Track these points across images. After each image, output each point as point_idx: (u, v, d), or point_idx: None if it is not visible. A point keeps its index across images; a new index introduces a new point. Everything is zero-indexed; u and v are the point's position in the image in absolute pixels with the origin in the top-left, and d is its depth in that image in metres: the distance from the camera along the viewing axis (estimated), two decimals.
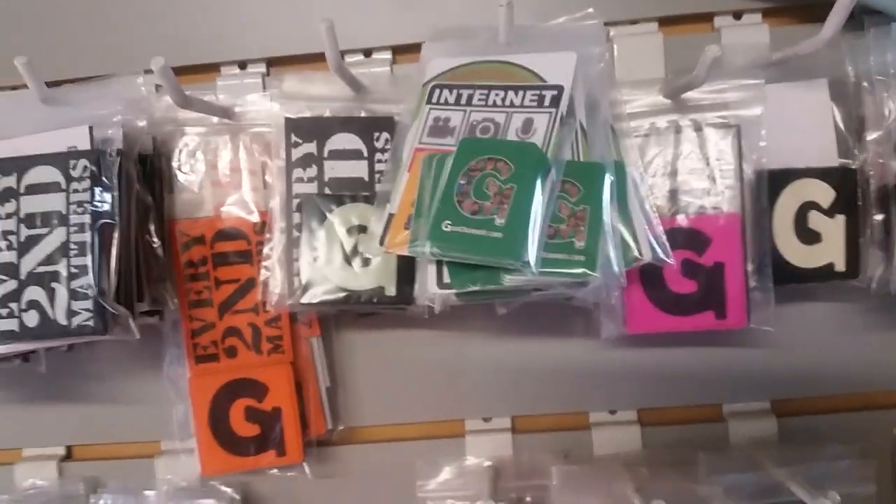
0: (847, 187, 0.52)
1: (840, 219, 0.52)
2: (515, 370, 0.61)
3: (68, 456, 0.66)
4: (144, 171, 0.54)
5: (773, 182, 0.51)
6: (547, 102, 0.44)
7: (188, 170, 0.57)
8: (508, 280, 0.41)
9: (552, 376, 0.61)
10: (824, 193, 0.52)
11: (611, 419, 0.61)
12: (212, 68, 0.63)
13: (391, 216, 0.44)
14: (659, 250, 0.47)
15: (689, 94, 0.52)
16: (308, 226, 0.51)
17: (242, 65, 0.62)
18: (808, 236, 0.52)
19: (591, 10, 0.50)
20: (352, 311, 0.59)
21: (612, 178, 0.43)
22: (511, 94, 0.45)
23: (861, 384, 0.58)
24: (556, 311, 0.58)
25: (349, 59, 0.61)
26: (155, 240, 0.52)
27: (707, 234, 0.51)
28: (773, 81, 0.55)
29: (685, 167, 0.52)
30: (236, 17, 0.61)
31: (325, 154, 0.53)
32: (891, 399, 0.59)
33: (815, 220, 0.52)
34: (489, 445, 0.61)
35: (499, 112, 0.45)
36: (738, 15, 0.59)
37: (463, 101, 0.46)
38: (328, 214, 0.51)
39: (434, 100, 0.47)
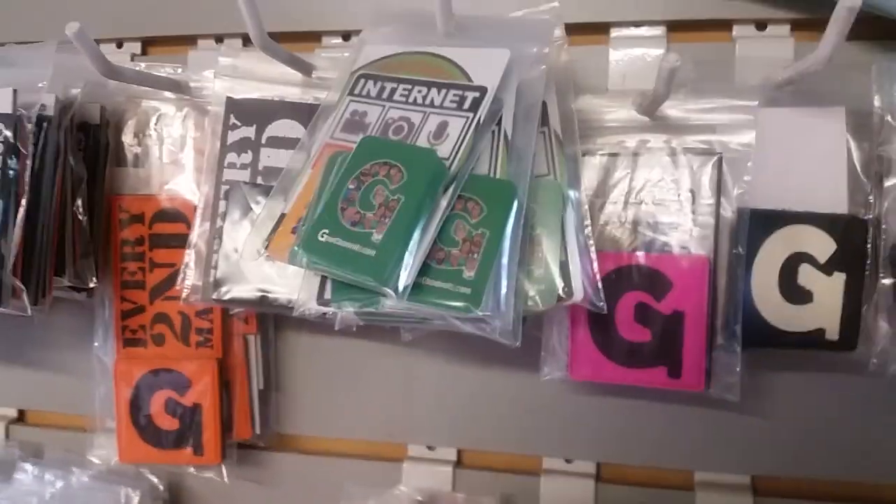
0: (853, 240, 0.43)
1: (839, 277, 0.43)
2: (468, 399, 0.56)
3: (20, 419, 0.65)
4: (87, 142, 0.52)
5: (758, 225, 0.43)
6: (466, 105, 0.38)
7: (136, 144, 0.54)
8: (388, 305, 0.36)
9: (508, 411, 0.55)
10: (823, 245, 0.43)
11: (566, 468, 0.55)
12: (189, 40, 0.59)
13: (282, 216, 0.39)
14: (591, 292, 0.40)
15: (671, 113, 0.45)
16: (231, 216, 0.47)
17: (219, 38, 0.58)
18: (796, 294, 0.44)
19: (556, 3, 0.43)
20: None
21: (521, 201, 0.36)
22: (433, 91, 0.39)
23: (852, 471, 0.49)
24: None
25: (327, 41, 0.56)
26: (81, 214, 0.49)
27: (668, 277, 0.44)
28: (787, 104, 0.46)
29: (652, 196, 0.44)
30: None
31: (264, 140, 0.49)
32: (881, 493, 0.49)
33: (808, 275, 0.43)
34: (428, 477, 0.56)
35: (416, 111, 0.39)
36: (761, 25, 0.50)
37: (385, 94, 0.41)
38: (254, 206, 0.47)
39: (357, 91, 0.42)
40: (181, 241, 0.52)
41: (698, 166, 0.44)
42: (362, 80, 0.42)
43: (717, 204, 0.44)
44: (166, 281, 0.53)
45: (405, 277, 0.34)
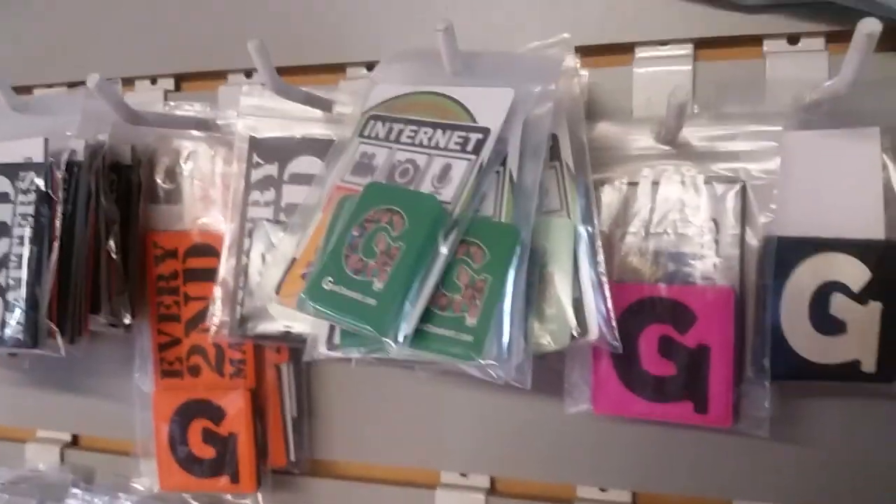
0: (889, 268, 0.41)
1: (875, 307, 0.41)
2: (501, 426, 0.55)
3: (74, 443, 0.67)
4: (120, 182, 0.53)
5: (786, 253, 0.42)
6: (470, 147, 0.38)
7: (168, 181, 0.55)
8: (394, 352, 0.36)
9: (540, 439, 0.54)
10: (856, 273, 0.41)
11: (600, 497, 0.54)
12: (221, 75, 0.60)
13: (293, 261, 0.40)
14: (605, 330, 0.39)
15: (694, 140, 0.43)
16: (255, 253, 0.48)
17: (248, 73, 0.59)
18: (829, 325, 0.42)
19: (566, 35, 0.42)
20: None
21: (526, 244, 0.36)
22: (438, 133, 0.39)
23: None
24: (550, 372, 0.51)
25: (351, 71, 0.57)
26: (114, 252, 0.51)
27: (692, 310, 0.42)
28: (822, 125, 0.44)
29: (674, 226, 0.43)
30: (246, 23, 0.58)
31: (286, 177, 0.50)
32: None
33: (841, 305, 0.41)
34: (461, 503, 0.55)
35: (422, 154, 0.39)
36: (794, 39, 0.48)
37: (392, 136, 0.41)
38: (276, 243, 0.48)
39: (366, 132, 0.42)
40: (213, 275, 0.53)
41: (721, 195, 0.42)
42: (371, 122, 0.42)
43: (742, 233, 0.42)
44: (200, 314, 0.55)
45: (405, 327, 0.34)
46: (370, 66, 0.56)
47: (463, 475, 0.56)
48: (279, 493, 0.58)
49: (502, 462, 0.55)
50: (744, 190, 0.42)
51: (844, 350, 0.41)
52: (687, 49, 0.50)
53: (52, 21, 0.63)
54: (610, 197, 0.44)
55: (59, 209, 0.47)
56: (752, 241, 0.42)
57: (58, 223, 0.47)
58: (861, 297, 0.41)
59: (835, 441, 0.47)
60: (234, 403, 0.54)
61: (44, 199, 0.47)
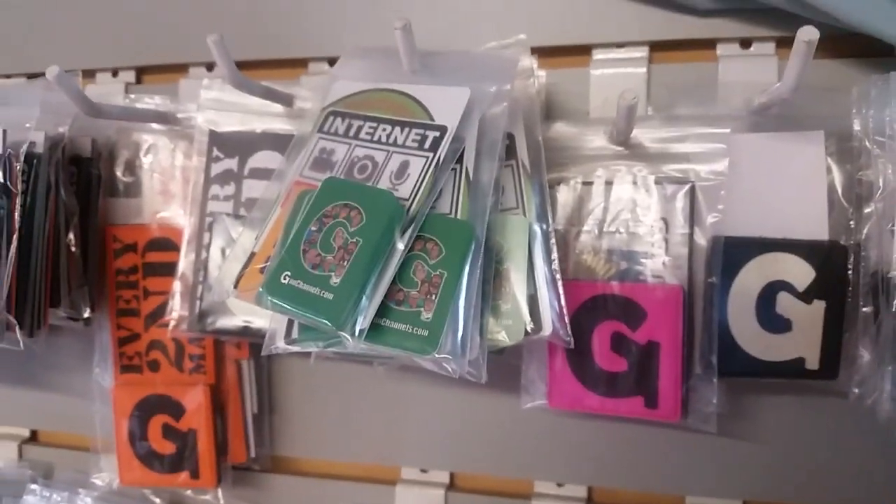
0: (833, 268, 0.43)
1: (819, 306, 0.43)
2: (460, 422, 0.56)
3: (33, 438, 0.67)
4: (80, 175, 0.53)
5: (733, 253, 0.43)
6: (427, 145, 0.38)
7: (128, 174, 0.55)
8: (351, 345, 0.36)
9: (500, 435, 0.55)
10: (801, 273, 0.43)
11: (557, 492, 0.55)
12: (182, 68, 0.60)
13: (252, 255, 0.40)
14: (558, 326, 0.40)
15: (646, 141, 0.44)
16: (215, 247, 0.48)
17: (210, 66, 0.59)
18: (775, 323, 0.43)
19: (522, 36, 0.43)
20: None
21: (480, 241, 0.37)
22: (397, 130, 0.40)
23: (843, 499, 0.48)
24: (508, 369, 0.52)
25: (313, 66, 0.57)
26: (73, 245, 0.51)
27: (642, 307, 0.43)
28: (770, 128, 0.45)
29: (626, 225, 0.44)
30: (209, 16, 0.58)
31: (246, 172, 0.50)
32: None
33: (786, 303, 0.43)
34: (420, 499, 0.56)
35: (380, 150, 0.39)
36: (746, 43, 0.49)
37: (351, 132, 0.41)
38: (235, 237, 0.48)
39: (325, 128, 0.42)
40: (173, 270, 0.53)
41: (671, 195, 0.43)
42: (331, 118, 0.42)
43: (691, 233, 0.43)
44: (160, 308, 0.54)
45: (361, 321, 0.35)
46: (332, 62, 0.56)
47: (423, 471, 0.57)
48: (240, 489, 0.58)
49: (462, 458, 0.56)
50: (692, 190, 0.43)
51: (789, 347, 0.43)
52: (643, 52, 0.51)
53: (13, 11, 0.62)
54: (565, 196, 0.45)
55: (18, 201, 0.47)
56: (700, 240, 0.43)
57: (17, 215, 0.47)
58: (806, 296, 0.43)
59: (780, 436, 0.49)
60: (194, 399, 0.54)
61: (2, 191, 0.47)
